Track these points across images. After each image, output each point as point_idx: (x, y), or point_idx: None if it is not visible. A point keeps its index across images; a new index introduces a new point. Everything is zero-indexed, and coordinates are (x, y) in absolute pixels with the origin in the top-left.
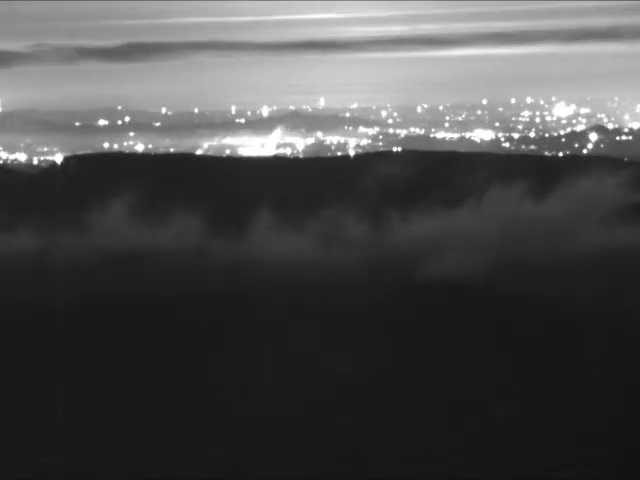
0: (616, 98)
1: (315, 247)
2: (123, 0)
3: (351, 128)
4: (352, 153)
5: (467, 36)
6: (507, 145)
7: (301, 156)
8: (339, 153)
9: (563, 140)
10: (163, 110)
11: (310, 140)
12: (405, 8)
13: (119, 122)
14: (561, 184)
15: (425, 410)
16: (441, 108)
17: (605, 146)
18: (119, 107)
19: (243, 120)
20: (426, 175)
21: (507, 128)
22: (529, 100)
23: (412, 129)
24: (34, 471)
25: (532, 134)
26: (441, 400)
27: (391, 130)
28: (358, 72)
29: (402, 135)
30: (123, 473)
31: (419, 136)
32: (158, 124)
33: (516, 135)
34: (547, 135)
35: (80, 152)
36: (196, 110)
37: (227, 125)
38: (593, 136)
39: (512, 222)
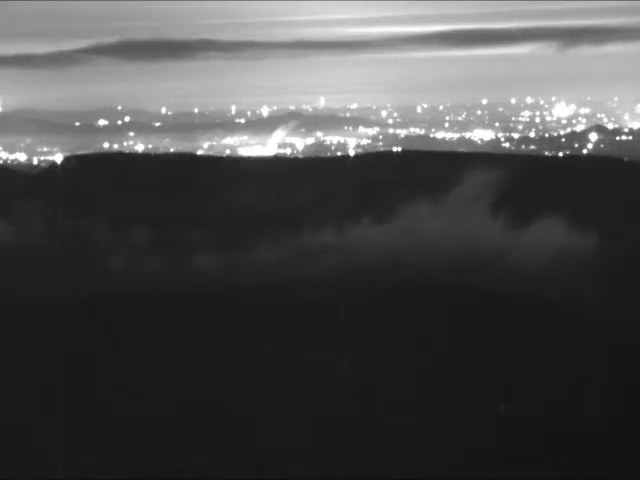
0: (616, 98)
1: (314, 247)
2: (123, 0)
3: (351, 128)
4: (352, 153)
5: (467, 36)
6: (507, 145)
7: (301, 156)
8: (339, 153)
9: (563, 140)
10: (163, 110)
11: (310, 140)
12: (405, 9)
13: (119, 122)
14: (561, 184)
15: (425, 410)
16: (441, 108)
17: (605, 146)
18: (119, 107)
19: (243, 120)
20: (426, 175)
21: (507, 128)
22: (529, 100)
23: (412, 129)
24: (34, 471)
25: (532, 134)
26: (441, 400)
27: (391, 130)
28: (358, 72)
29: (402, 135)
30: (123, 473)
31: (419, 136)
32: (158, 124)
33: (516, 135)
34: (547, 135)
35: (80, 152)
36: (196, 110)
37: (227, 125)
38: (593, 136)
39: (512, 222)
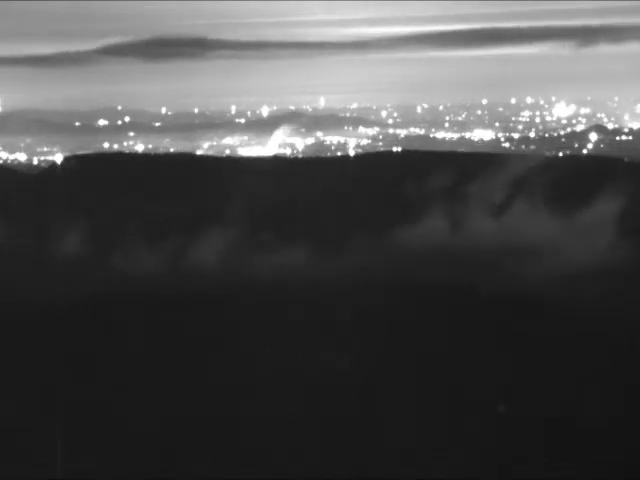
0: (616, 98)
1: (314, 247)
2: (122, 0)
3: (351, 128)
4: (352, 153)
5: (467, 36)
6: (507, 145)
7: (301, 156)
8: (339, 153)
9: (563, 140)
10: (163, 110)
11: (310, 140)
12: (405, 9)
13: (119, 122)
14: (561, 184)
15: (425, 409)
16: (441, 108)
17: (605, 146)
18: (119, 107)
19: (243, 120)
20: (426, 175)
21: (507, 128)
22: (529, 100)
23: (412, 129)
24: (34, 471)
25: (532, 134)
26: (441, 400)
27: (391, 130)
28: (358, 72)
29: (402, 135)
30: (123, 473)
31: (419, 136)
32: (158, 124)
33: (516, 135)
34: (547, 135)
35: (80, 152)
36: (196, 110)
37: (227, 125)
38: (593, 136)
39: (512, 222)
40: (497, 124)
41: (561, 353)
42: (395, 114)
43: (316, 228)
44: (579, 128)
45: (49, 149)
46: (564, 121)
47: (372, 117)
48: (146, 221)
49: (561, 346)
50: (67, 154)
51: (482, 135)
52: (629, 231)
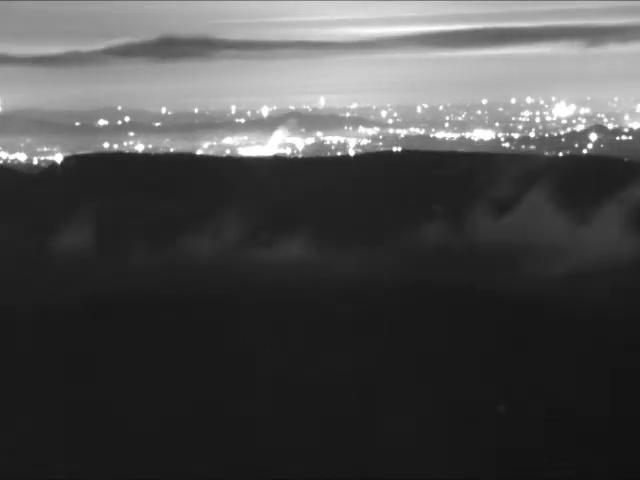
0: (616, 98)
1: (314, 247)
2: (121, 0)
3: (351, 128)
4: (352, 153)
5: (467, 36)
6: (507, 145)
7: (301, 156)
8: (339, 153)
9: (563, 140)
10: (163, 110)
11: (310, 140)
12: (405, 9)
13: (119, 122)
14: (561, 184)
15: (425, 410)
16: (441, 108)
17: (605, 146)
18: (119, 107)
19: (243, 120)
20: (426, 175)
21: (507, 128)
22: (529, 100)
23: (412, 129)
24: (34, 471)
25: (532, 134)
26: (441, 400)
27: (391, 130)
28: (358, 72)
29: (402, 135)
30: (123, 473)
31: (419, 136)
32: (158, 124)
33: (516, 135)
34: (547, 135)
35: (80, 152)
36: (196, 110)
37: (227, 125)
38: (593, 136)
39: (512, 222)
40: (497, 124)
41: (561, 353)
42: (395, 114)
43: (316, 228)
44: (579, 128)
45: (49, 149)
46: (564, 121)
47: (372, 117)
48: (146, 221)
49: (561, 346)
50: (67, 154)
51: (482, 135)
52: (629, 231)
